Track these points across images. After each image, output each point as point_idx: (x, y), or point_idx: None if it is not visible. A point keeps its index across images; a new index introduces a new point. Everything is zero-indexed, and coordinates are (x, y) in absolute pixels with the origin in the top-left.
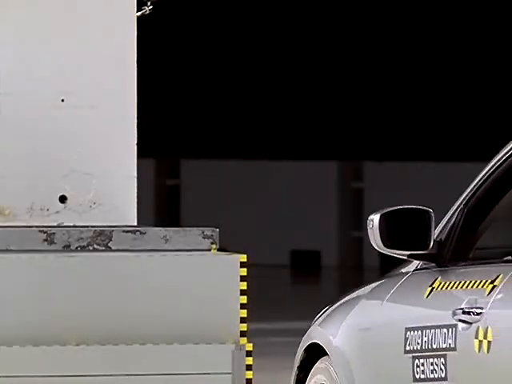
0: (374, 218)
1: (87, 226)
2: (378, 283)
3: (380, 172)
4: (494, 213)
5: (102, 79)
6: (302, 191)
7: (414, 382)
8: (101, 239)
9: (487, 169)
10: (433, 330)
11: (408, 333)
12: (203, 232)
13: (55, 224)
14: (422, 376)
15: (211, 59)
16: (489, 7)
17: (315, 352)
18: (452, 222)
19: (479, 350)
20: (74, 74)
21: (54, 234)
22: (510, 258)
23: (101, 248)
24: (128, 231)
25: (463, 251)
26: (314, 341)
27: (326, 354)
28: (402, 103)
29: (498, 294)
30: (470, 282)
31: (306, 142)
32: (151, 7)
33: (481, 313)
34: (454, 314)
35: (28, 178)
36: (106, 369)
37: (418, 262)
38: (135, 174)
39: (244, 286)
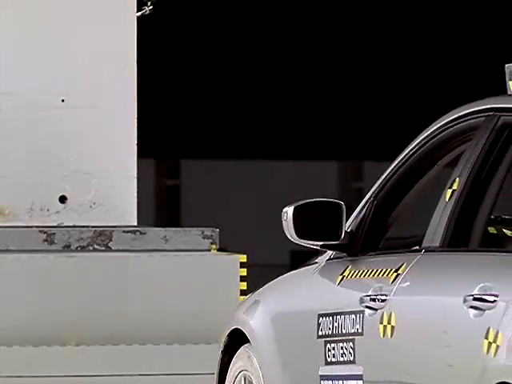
0: (288, 211)
1: (87, 226)
2: (295, 272)
3: (380, 172)
4: (402, 205)
5: (102, 79)
6: (302, 191)
7: (326, 365)
8: (101, 239)
9: (395, 164)
10: (343, 316)
11: (321, 319)
12: (203, 232)
13: (55, 224)
14: (333, 359)
15: (211, 59)
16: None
17: (238, 338)
18: (362, 214)
19: (384, 335)
20: (74, 74)
21: (54, 234)
22: (416, 248)
23: (101, 248)
24: (128, 231)
25: (373, 242)
26: (236, 326)
27: (248, 339)
28: (401, 103)
29: (400, 281)
30: (377, 270)
31: (305, 142)
32: (151, 7)
33: (385, 300)
34: (362, 300)
35: (28, 178)
36: (105, 369)
37: (331, 252)
38: (135, 174)
39: (244, 286)
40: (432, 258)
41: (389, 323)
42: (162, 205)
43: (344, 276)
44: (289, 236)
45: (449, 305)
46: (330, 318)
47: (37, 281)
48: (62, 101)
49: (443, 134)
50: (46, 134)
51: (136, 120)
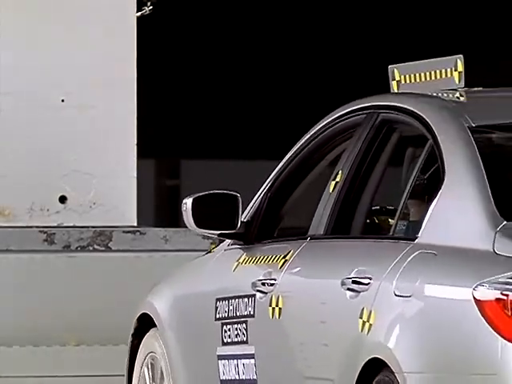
0: (187, 202)
1: (87, 227)
2: (198, 258)
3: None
4: (294, 197)
5: (102, 79)
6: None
7: (222, 345)
8: (101, 239)
9: (286, 158)
10: (237, 300)
11: (218, 302)
12: None
13: (55, 224)
14: (229, 340)
15: (211, 60)
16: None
17: (147, 322)
18: (257, 205)
19: (272, 316)
20: (74, 74)
21: (54, 234)
22: (302, 236)
23: (101, 248)
24: (128, 231)
25: (267, 231)
26: (144, 311)
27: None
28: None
29: (288, 267)
30: (268, 257)
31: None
32: (151, 7)
33: (274, 284)
34: (254, 285)
35: (28, 178)
36: (106, 369)
37: (229, 240)
38: (135, 174)
39: None
40: (316, 245)
41: (277, 305)
42: (162, 205)
43: (239, 263)
44: (188, 225)
45: (328, 287)
46: (226, 301)
47: (36, 281)
48: (62, 101)
49: (329, 130)
50: (46, 134)
51: (136, 120)
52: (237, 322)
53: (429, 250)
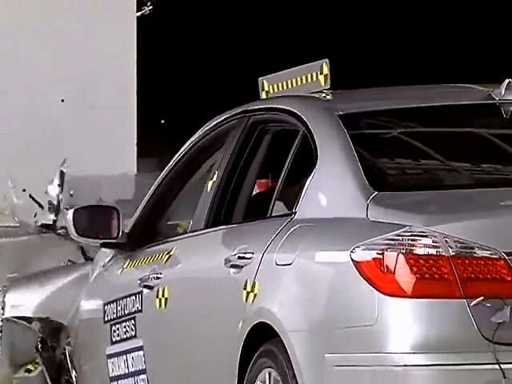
0: (69, 213)
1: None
2: (87, 268)
3: None
4: (175, 204)
5: (102, 79)
6: None
7: (111, 344)
8: None
9: (164, 172)
10: (125, 300)
11: (106, 306)
12: None
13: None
14: (118, 338)
15: (211, 60)
16: None
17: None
18: (138, 214)
19: (159, 306)
20: (74, 74)
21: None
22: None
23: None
24: None
25: (147, 238)
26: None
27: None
28: None
29: (172, 260)
30: (152, 256)
31: None
32: (151, 7)
33: (159, 277)
34: (140, 282)
35: (28, 178)
36: None
37: (112, 253)
38: (135, 173)
39: None
40: (197, 237)
41: (163, 296)
42: None
43: (124, 268)
44: (71, 234)
45: (211, 269)
46: (114, 304)
47: None
48: (62, 101)
49: (206, 138)
50: (45, 134)
51: (136, 120)
52: (125, 320)
53: (306, 223)
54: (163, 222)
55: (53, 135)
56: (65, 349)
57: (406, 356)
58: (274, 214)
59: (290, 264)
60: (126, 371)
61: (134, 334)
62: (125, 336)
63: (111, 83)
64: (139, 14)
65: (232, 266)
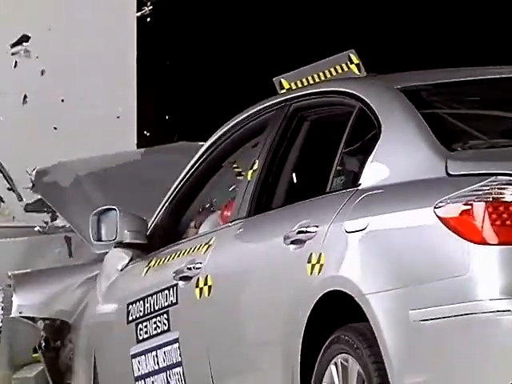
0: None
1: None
2: (93, 268)
3: None
4: (196, 204)
5: (101, 79)
6: None
7: (137, 343)
8: None
9: (184, 172)
10: (154, 296)
11: (130, 306)
12: None
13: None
14: (146, 336)
15: (211, 60)
16: None
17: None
18: (159, 216)
19: (200, 296)
20: (74, 74)
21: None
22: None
23: None
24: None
25: (168, 239)
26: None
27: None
28: None
29: (213, 249)
30: (185, 250)
31: None
32: (151, 7)
33: (199, 267)
34: (176, 274)
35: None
36: None
37: (129, 256)
38: None
39: None
40: (242, 224)
41: (205, 284)
42: None
43: (150, 266)
44: (91, 241)
45: (268, 249)
46: (140, 302)
47: None
48: (62, 101)
49: (235, 133)
50: (45, 134)
51: (136, 120)
52: (155, 316)
53: (375, 190)
54: (187, 221)
55: (52, 135)
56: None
57: (498, 302)
58: (333, 189)
59: (363, 229)
60: (156, 367)
61: (166, 328)
62: (155, 332)
63: (111, 83)
64: (139, 14)
65: (292, 243)
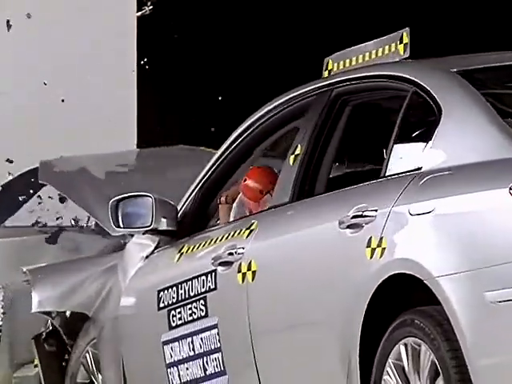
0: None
1: (87, 226)
2: (108, 259)
3: None
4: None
5: (102, 79)
6: None
7: (170, 329)
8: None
9: (214, 159)
10: (189, 283)
11: (161, 293)
12: None
13: (55, 224)
14: (180, 322)
15: (211, 60)
16: None
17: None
18: (188, 202)
19: (242, 281)
20: (74, 74)
21: (54, 233)
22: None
23: None
24: None
25: (198, 226)
26: None
27: None
28: None
29: (256, 234)
30: (223, 236)
31: None
32: (151, 7)
33: (242, 252)
34: (215, 260)
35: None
36: None
37: (154, 243)
38: None
39: None
40: (288, 209)
41: (249, 270)
42: None
43: (182, 253)
44: (111, 227)
45: (320, 234)
46: (173, 288)
47: None
48: (62, 101)
49: (270, 119)
50: (45, 134)
51: (136, 120)
52: (191, 302)
53: (440, 172)
54: (210, 212)
55: (52, 135)
56: (88, 351)
57: None
58: (388, 173)
59: (429, 212)
60: (192, 353)
61: (204, 313)
62: (190, 318)
63: (111, 83)
64: (139, 13)
65: (349, 227)
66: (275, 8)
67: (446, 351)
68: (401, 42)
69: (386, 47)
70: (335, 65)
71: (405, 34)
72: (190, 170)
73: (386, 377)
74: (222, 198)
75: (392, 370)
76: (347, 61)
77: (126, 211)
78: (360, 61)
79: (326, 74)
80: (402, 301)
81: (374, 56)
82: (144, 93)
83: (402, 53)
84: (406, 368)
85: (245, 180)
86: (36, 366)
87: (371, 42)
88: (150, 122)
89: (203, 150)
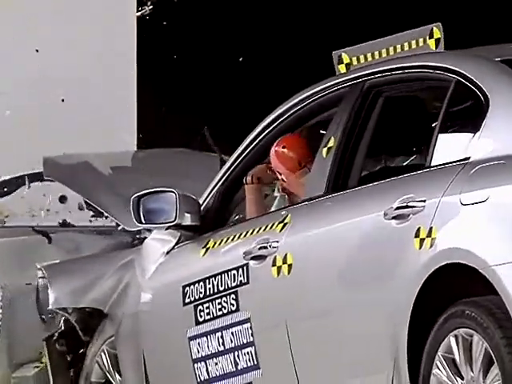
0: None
1: (87, 227)
2: (124, 255)
3: None
4: (242, 191)
5: (102, 79)
6: None
7: (196, 324)
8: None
9: (237, 153)
10: (217, 277)
11: (187, 288)
12: None
13: (55, 224)
14: (208, 317)
15: (211, 59)
16: None
17: None
18: (212, 196)
19: (277, 275)
20: (74, 74)
21: (54, 233)
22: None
23: None
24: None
25: (221, 221)
26: None
27: None
28: None
29: (290, 228)
30: (253, 230)
31: None
32: (151, 7)
33: (277, 246)
34: (246, 254)
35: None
36: None
37: (175, 239)
38: None
39: None
40: (325, 202)
41: (284, 263)
42: None
43: (208, 248)
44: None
45: (364, 225)
46: (201, 283)
47: None
48: (62, 101)
49: (297, 113)
50: (45, 134)
51: (136, 120)
52: (220, 297)
53: (491, 162)
54: (232, 208)
55: (52, 135)
56: (103, 350)
57: None
58: (433, 164)
59: (483, 201)
60: (221, 348)
61: (235, 308)
62: (220, 313)
63: (111, 83)
64: (139, 13)
65: (394, 218)
66: (275, 8)
67: (499, 339)
68: (430, 37)
69: (413, 42)
70: (353, 59)
71: (436, 28)
72: (190, 172)
73: (435, 370)
74: (249, 178)
75: (442, 363)
76: (369, 55)
77: (147, 207)
78: (384, 55)
79: (342, 67)
80: (448, 292)
81: (399, 50)
82: (144, 93)
83: (433, 48)
84: (458, 360)
85: (283, 147)
86: (36, 366)
87: (397, 35)
88: (150, 122)
89: (207, 154)
